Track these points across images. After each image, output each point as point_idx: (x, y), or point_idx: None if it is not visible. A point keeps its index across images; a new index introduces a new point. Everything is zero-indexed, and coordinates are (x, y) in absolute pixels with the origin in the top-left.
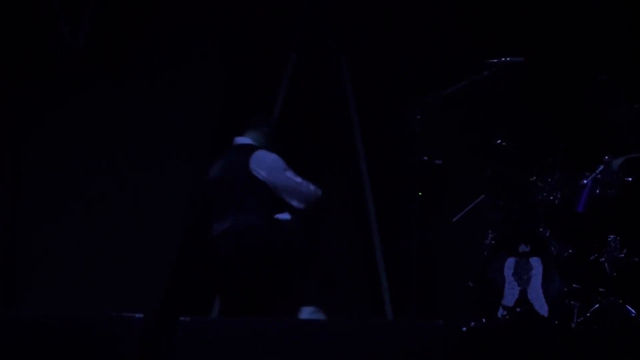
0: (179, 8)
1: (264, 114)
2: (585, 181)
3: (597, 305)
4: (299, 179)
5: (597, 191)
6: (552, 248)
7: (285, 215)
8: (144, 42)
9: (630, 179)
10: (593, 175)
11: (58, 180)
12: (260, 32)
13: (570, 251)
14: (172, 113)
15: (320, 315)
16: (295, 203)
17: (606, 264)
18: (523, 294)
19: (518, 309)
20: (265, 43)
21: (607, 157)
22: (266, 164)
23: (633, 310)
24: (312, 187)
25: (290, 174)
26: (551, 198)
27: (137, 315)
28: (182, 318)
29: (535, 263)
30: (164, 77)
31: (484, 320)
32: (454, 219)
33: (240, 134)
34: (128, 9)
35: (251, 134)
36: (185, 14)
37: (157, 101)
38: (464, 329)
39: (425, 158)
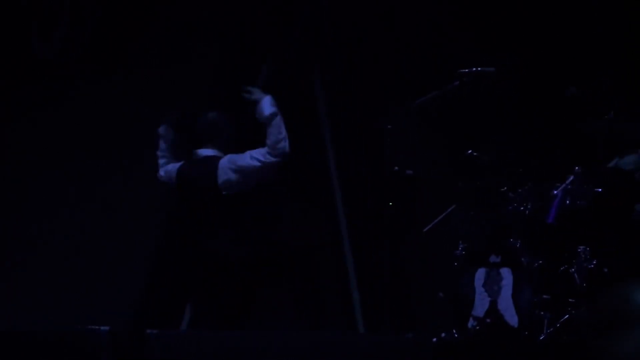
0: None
1: (222, 118)
2: (555, 192)
3: (567, 315)
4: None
5: (568, 202)
6: (523, 259)
7: None
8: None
9: (599, 189)
10: (563, 185)
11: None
12: (235, 41)
13: (541, 262)
14: (148, 120)
15: None
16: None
17: (576, 275)
18: (493, 304)
19: (488, 320)
20: (238, 52)
21: (577, 168)
22: (226, 166)
23: None
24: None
25: (248, 153)
26: (522, 209)
27: (102, 327)
28: (149, 331)
29: (506, 274)
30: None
31: (454, 331)
32: (425, 230)
33: (201, 145)
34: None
35: (214, 143)
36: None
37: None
38: (435, 340)
39: (396, 168)
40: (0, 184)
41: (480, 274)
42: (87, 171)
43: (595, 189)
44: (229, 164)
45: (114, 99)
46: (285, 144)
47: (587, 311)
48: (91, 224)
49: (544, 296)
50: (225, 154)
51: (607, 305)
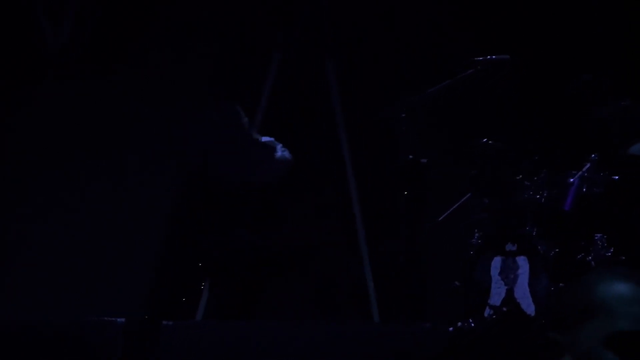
0: (177, 8)
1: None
2: (572, 179)
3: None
4: None
5: (584, 189)
6: (539, 247)
7: None
8: (142, 41)
9: (616, 176)
10: (580, 173)
11: (59, 180)
12: (247, 31)
13: (557, 250)
14: (171, 113)
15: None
16: None
17: (593, 263)
18: (510, 293)
19: (505, 309)
20: (250, 42)
21: (594, 155)
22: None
23: None
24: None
25: None
26: (537, 197)
27: (119, 319)
28: (165, 322)
29: (522, 262)
30: (164, 76)
31: (470, 320)
32: (440, 219)
33: None
34: (127, 8)
35: None
36: (187, 11)
37: (157, 101)
38: (451, 329)
39: (411, 157)
40: (8, 181)
41: (497, 262)
42: (90, 167)
43: (612, 176)
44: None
45: (112, 98)
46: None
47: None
48: (100, 216)
49: (561, 284)
50: None
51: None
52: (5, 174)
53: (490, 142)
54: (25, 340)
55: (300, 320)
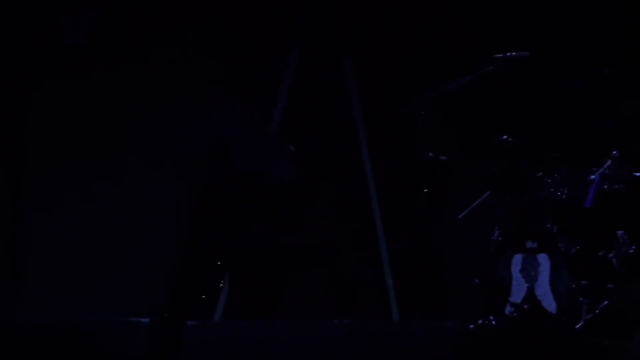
0: (180, 6)
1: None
2: (592, 176)
3: (606, 302)
4: None
5: (605, 186)
6: (560, 244)
7: None
8: (145, 40)
9: (638, 173)
10: (601, 170)
11: (59, 180)
12: (262, 28)
13: (578, 247)
14: (173, 112)
15: None
16: None
17: (614, 260)
18: (531, 290)
19: (526, 306)
20: (267, 39)
21: (615, 152)
22: None
23: None
24: None
25: None
26: (558, 194)
27: (142, 320)
28: (188, 322)
29: (543, 260)
30: (166, 75)
31: (491, 317)
32: (460, 216)
33: None
34: (129, 7)
35: None
36: (187, 11)
37: (158, 100)
38: (471, 326)
39: (430, 155)
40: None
41: (517, 260)
42: (89, 170)
43: (633, 173)
44: None
45: (113, 97)
46: None
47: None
48: (122, 216)
49: (582, 282)
50: None
51: (624, 305)
52: (21, 174)
53: (510, 139)
54: (50, 341)
55: (320, 319)
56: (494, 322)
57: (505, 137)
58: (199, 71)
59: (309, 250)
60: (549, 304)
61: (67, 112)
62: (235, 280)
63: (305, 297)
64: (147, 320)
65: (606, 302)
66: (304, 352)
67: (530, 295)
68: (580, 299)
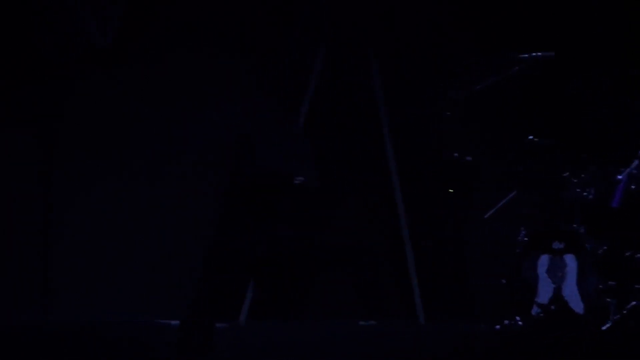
0: (209, 5)
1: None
2: (620, 176)
3: (634, 302)
4: None
5: (632, 186)
6: (587, 245)
7: None
8: (170, 38)
9: None
10: (628, 170)
11: (86, 182)
12: (289, 27)
13: (605, 247)
14: (198, 111)
15: None
16: None
17: None
18: (557, 291)
19: (552, 307)
20: (293, 39)
21: None
22: None
23: None
24: None
25: None
26: (585, 194)
27: (173, 321)
28: (218, 324)
29: (570, 260)
30: (190, 74)
31: (517, 318)
32: (486, 216)
33: None
34: (143, 6)
35: None
36: (214, 10)
37: (173, 99)
38: (498, 327)
39: (456, 155)
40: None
41: (544, 260)
42: (115, 170)
43: None
44: None
45: (128, 97)
46: None
47: None
48: (148, 216)
49: (610, 282)
50: None
51: None
52: (49, 175)
53: (536, 139)
54: (79, 342)
55: (345, 320)
56: (520, 323)
57: (531, 137)
58: (226, 70)
59: (334, 250)
60: (576, 305)
61: (92, 112)
62: (260, 281)
63: (330, 298)
64: (177, 322)
65: (634, 303)
66: (329, 353)
67: (557, 296)
68: (608, 299)
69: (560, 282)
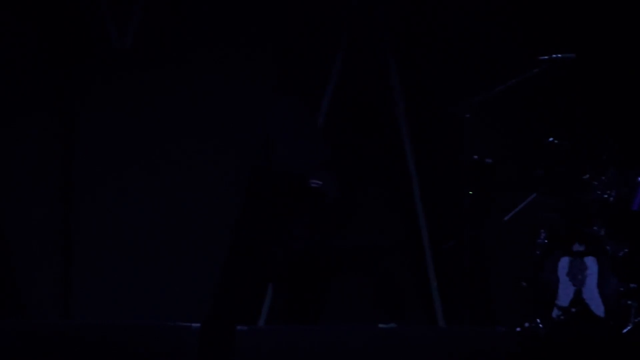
0: (224, 4)
1: None
2: None
3: None
4: None
5: None
6: (608, 247)
7: None
8: (185, 36)
9: None
10: None
11: (109, 185)
12: (309, 30)
13: (626, 250)
14: (209, 112)
15: None
16: None
17: None
18: (578, 294)
19: (573, 310)
20: (313, 42)
21: None
22: None
23: None
24: None
25: None
26: (605, 196)
27: (193, 324)
28: (239, 327)
29: (590, 262)
30: (207, 74)
31: (538, 321)
32: (506, 218)
33: None
34: (163, 8)
35: None
36: (233, 11)
37: (194, 100)
38: (518, 330)
39: (476, 157)
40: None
41: (564, 262)
42: (138, 172)
43: None
44: None
45: (160, 92)
46: None
47: None
48: (168, 219)
49: (631, 285)
50: None
51: None
52: (72, 174)
53: (556, 141)
54: (100, 345)
55: (364, 323)
56: (540, 326)
57: (551, 139)
58: (245, 70)
59: (353, 253)
60: (597, 308)
61: (117, 112)
62: (279, 284)
63: (349, 300)
64: (198, 325)
65: None
66: (348, 356)
67: (578, 299)
68: (628, 302)
69: (581, 284)
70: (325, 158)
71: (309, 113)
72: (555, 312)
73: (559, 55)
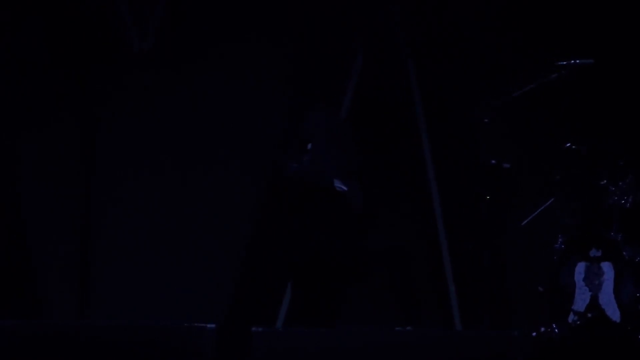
0: (243, 6)
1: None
2: None
3: None
4: None
5: None
6: (625, 253)
7: None
8: (211, 39)
9: None
10: None
11: (127, 186)
12: (327, 33)
13: None
14: (230, 114)
15: None
16: None
17: None
18: (594, 299)
19: (589, 315)
20: (332, 44)
21: None
22: None
23: None
24: None
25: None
26: (623, 202)
27: (209, 325)
28: (254, 329)
29: (607, 268)
30: (231, 74)
31: (554, 325)
32: (523, 223)
33: None
34: (183, 9)
35: None
36: (253, 12)
37: (225, 97)
38: (534, 334)
39: (494, 162)
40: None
41: (581, 267)
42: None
43: None
44: None
45: (179, 94)
46: None
47: None
48: (185, 220)
49: None
50: None
51: None
52: (91, 176)
53: (574, 146)
54: (115, 346)
55: (381, 326)
56: (557, 331)
57: (569, 144)
58: (266, 71)
59: (371, 256)
60: (613, 313)
61: (137, 114)
62: (296, 286)
63: (366, 303)
64: (213, 325)
65: None
66: (364, 359)
67: (594, 304)
68: None
69: (597, 289)
70: (353, 169)
71: (345, 125)
72: (571, 317)
73: (578, 61)
